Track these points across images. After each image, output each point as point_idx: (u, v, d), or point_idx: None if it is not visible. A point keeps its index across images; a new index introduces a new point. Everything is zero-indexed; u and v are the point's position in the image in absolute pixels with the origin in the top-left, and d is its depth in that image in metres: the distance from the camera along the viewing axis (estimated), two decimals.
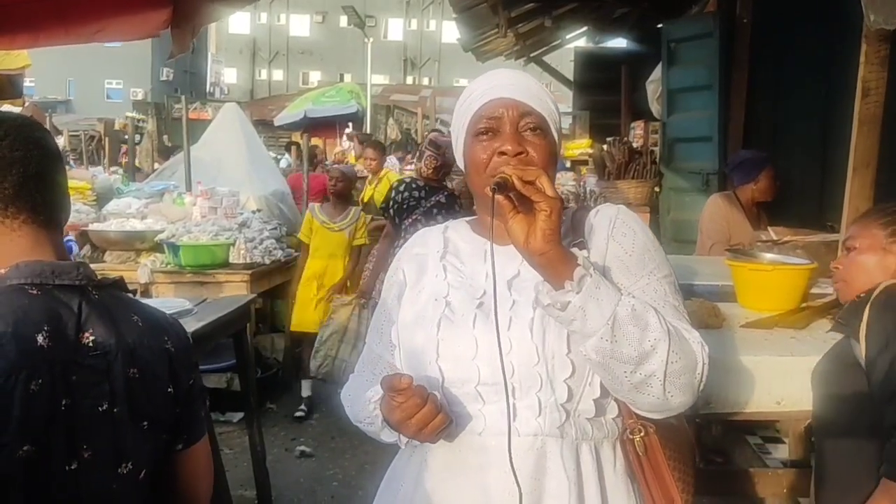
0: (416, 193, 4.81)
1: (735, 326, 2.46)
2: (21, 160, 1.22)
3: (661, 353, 1.18)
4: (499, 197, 1.15)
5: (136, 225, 5.27)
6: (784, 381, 2.11)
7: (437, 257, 1.41)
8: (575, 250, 1.22)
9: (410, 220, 4.73)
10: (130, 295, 1.38)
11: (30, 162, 1.23)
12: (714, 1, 5.89)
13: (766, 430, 3.61)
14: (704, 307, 2.53)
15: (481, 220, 1.41)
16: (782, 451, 3.57)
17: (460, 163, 1.40)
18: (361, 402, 1.41)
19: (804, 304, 2.67)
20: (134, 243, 5.18)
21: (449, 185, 5.08)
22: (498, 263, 1.26)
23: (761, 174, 4.19)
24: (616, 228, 1.34)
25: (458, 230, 1.46)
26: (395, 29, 49.60)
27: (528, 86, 1.34)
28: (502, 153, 1.29)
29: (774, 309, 2.59)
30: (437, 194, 4.80)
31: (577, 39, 9.26)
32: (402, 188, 4.90)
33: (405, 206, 4.79)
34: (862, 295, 1.88)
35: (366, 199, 7.06)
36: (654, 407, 1.24)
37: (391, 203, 4.88)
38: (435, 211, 4.76)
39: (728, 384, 2.10)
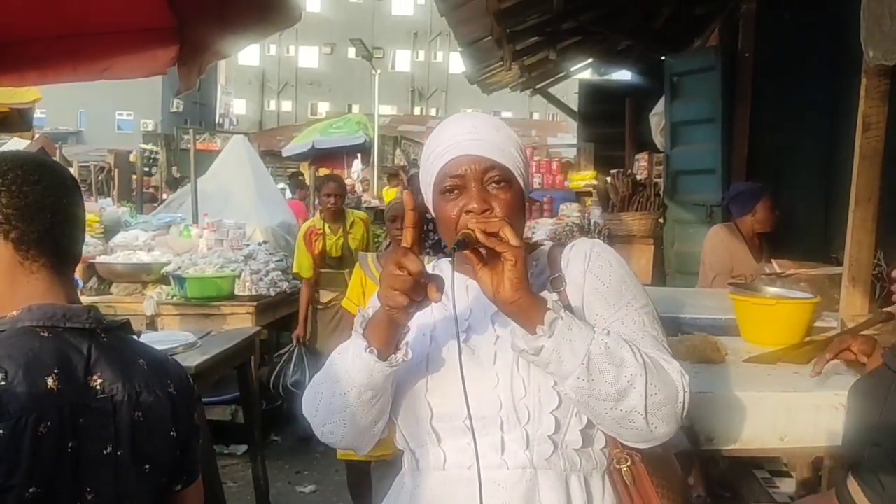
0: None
1: (738, 361, 2.44)
2: (52, 206, 1.25)
3: (639, 388, 1.20)
4: (465, 251, 1.19)
5: (142, 257, 5.30)
6: (787, 417, 2.09)
7: None
8: (545, 293, 1.24)
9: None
10: (136, 337, 1.39)
11: (59, 208, 1.26)
12: (716, 35, 5.95)
13: (773, 463, 3.59)
14: (707, 342, 2.52)
15: (459, 262, 1.43)
16: (789, 485, 3.54)
17: (433, 213, 1.42)
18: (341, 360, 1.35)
19: (808, 339, 2.65)
20: (140, 275, 5.21)
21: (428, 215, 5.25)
22: (480, 300, 1.31)
23: (758, 205, 4.19)
24: (592, 262, 1.37)
25: (442, 269, 1.48)
26: (403, 60, 50.03)
27: (489, 138, 1.34)
28: (469, 211, 1.30)
29: (778, 343, 2.57)
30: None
31: (583, 71, 9.32)
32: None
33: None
34: None
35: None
36: (638, 438, 1.26)
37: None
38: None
39: (730, 420, 2.09)
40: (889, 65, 2.65)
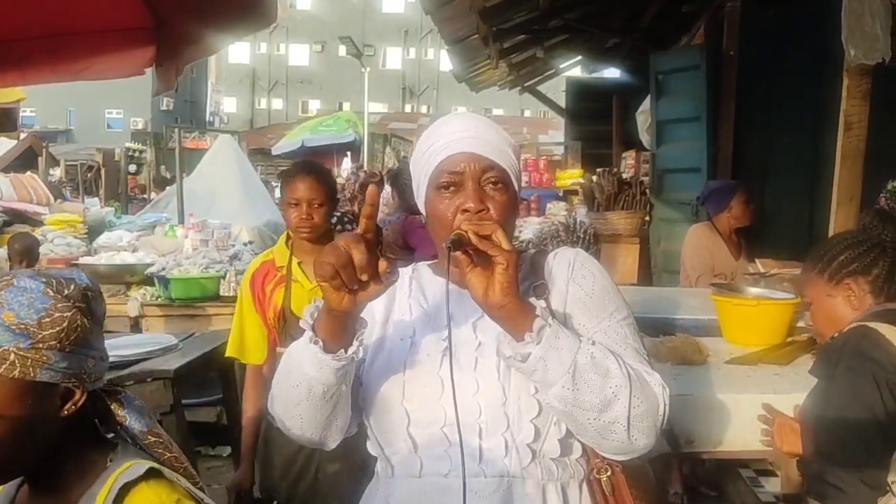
0: (348, 227, 5.33)
1: (719, 362, 2.44)
2: None
3: (623, 399, 1.19)
4: (457, 253, 1.16)
5: (126, 258, 5.26)
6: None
7: (404, 297, 1.42)
8: (533, 300, 1.23)
9: None
10: None
11: None
12: (701, 34, 5.94)
13: (759, 462, 3.58)
14: (687, 343, 2.51)
15: (441, 264, 1.42)
16: (775, 485, 3.54)
17: (422, 209, 1.40)
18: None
19: (790, 339, 2.65)
20: (124, 276, 5.17)
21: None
22: (461, 305, 1.28)
23: (732, 201, 4.18)
24: (575, 271, 1.36)
25: (421, 273, 1.47)
26: (394, 58, 49.92)
27: (489, 138, 1.34)
28: (465, 210, 1.29)
29: (760, 344, 2.57)
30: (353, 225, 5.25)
31: (572, 69, 9.31)
32: (334, 221, 5.48)
33: None
34: (830, 339, 1.90)
35: None
36: (619, 450, 1.25)
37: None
38: None
39: (710, 422, 2.08)
40: (870, 64, 2.66)
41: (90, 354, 1.22)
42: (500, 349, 1.21)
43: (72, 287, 1.21)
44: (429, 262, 1.50)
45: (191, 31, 2.58)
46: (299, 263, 2.69)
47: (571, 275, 1.35)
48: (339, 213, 5.91)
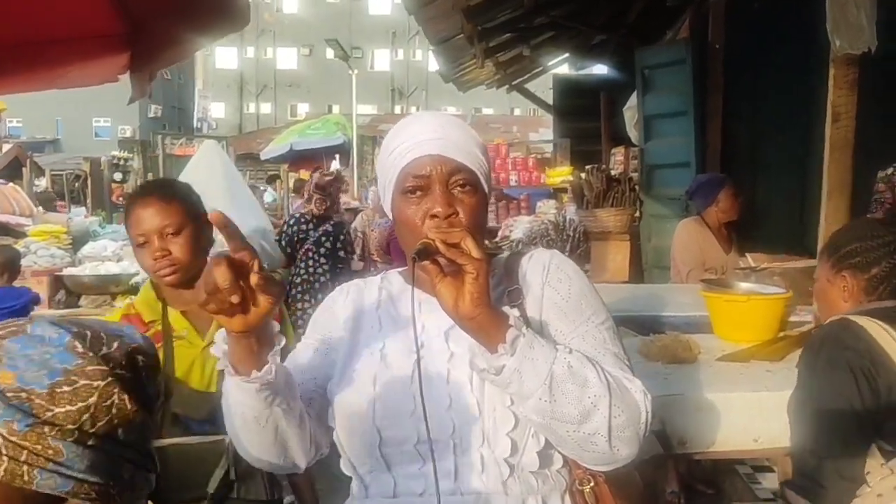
0: (304, 227, 5.54)
1: (710, 360, 2.41)
2: None
3: (602, 409, 1.14)
4: (425, 263, 1.11)
5: (111, 268, 5.20)
6: (760, 417, 2.05)
7: (373, 308, 1.37)
8: (506, 308, 1.18)
9: (303, 250, 5.48)
10: None
11: None
12: (686, 28, 5.92)
13: (755, 459, 3.56)
14: (678, 341, 2.48)
15: (412, 272, 1.37)
16: (772, 481, 3.52)
17: (389, 214, 1.35)
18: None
19: (782, 334, 2.62)
20: (109, 287, 5.10)
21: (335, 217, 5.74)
22: (432, 314, 1.23)
23: (720, 194, 4.17)
24: (551, 274, 1.31)
25: (391, 281, 1.42)
26: (382, 59, 49.98)
27: (455, 139, 1.28)
28: (434, 215, 1.24)
29: (751, 339, 2.54)
30: (323, 224, 5.54)
31: (559, 66, 9.28)
32: (292, 223, 5.72)
33: (297, 239, 5.55)
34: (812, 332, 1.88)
35: None
36: (600, 461, 1.21)
37: (283, 237, 5.64)
38: (323, 239, 5.52)
39: (702, 422, 2.05)
40: (856, 54, 2.62)
41: (128, 456, 0.82)
42: (474, 362, 1.16)
43: (114, 345, 0.84)
44: (400, 270, 1.45)
45: (164, 35, 2.55)
46: (184, 313, 2.01)
47: (547, 278, 1.30)
48: (297, 215, 5.89)
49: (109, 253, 5.51)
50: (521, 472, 1.23)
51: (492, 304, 1.13)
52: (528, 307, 1.28)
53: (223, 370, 1.15)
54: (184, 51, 2.65)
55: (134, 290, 5.07)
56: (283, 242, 5.68)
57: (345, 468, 1.32)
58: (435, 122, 1.30)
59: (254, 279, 1.03)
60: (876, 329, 1.67)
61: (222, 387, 1.21)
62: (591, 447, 1.16)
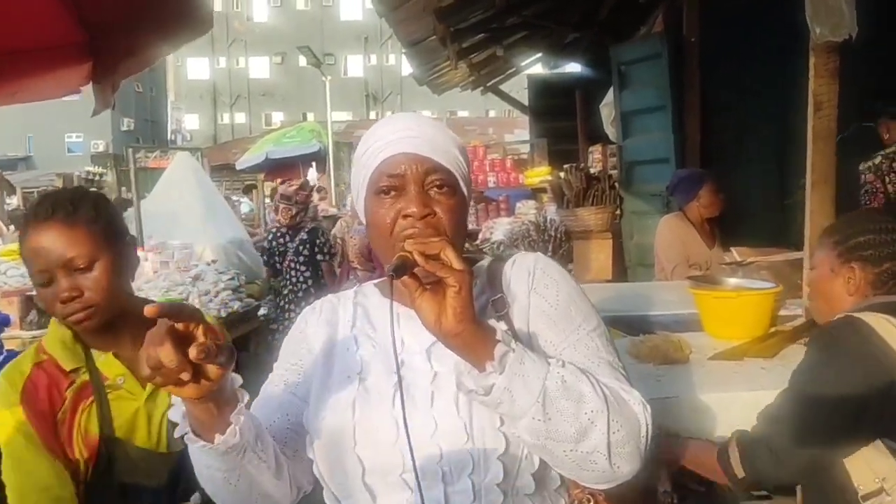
0: (281, 240, 5.76)
1: (702, 359, 2.35)
2: None
3: (600, 426, 1.06)
4: (401, 279, 1.03)
5: None
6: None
7: (348, 327, 1.28)
8: (493, 322, 1.10)
9: (286, 262, 5.70)
10: None
11: None
12: (660, 22, 5.89)
13: None
14: (668, 341, 2.42)
15: (388, 284, 1.29)
16: None
17: (362, 218, 1.27)
18: None
19: (773, 329, 2.57)
20: None
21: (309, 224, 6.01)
22: (413, 329, 1.13)
23: (701, 190, 4.15)
24: (537, 280, 1.23)
25: (367, 295, 1.33)
26: (355, 65, 49.89)
27: (432, 137, 1.21)
28: (408, 216, 1.16)
29: (742, 336, 2.49)
30: (299, 234, 5.71)
31: (533, 66, 9.25)
32: (270, 237, 6.00)
33: (277, 252, 5.80)
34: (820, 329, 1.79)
35: None
36: (600, 480, 1.13)
37: (265, 253, 5.95)
38: (301, 248, 5.70)
39: (699, 425, 1.99)
40: (837, 41, 2.57)
41: None
42: (461, 382, 1.07)
43: None
44: (375, 282, 1.36)
45: (126, 43, 2.48)
46: (116, 355, 1.62)
47: (533, 285, 1.22)
48: (273, 229, 6.15)
49: None
50: (516, 497, 1.15)
51: (477, 318, 1.05)
52: (514, 317, 1.20)
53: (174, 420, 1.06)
54: (147, 58, 2.57)
55: None
56: (266, 257, 5.95)
57: (328, 500, 1.23)
58: (411, 121, 1.23)
59: (194, 353, 0.93)
60: (888, 328, 1.60)
61: (181, 443, 1.10)
62: (591, 466, 1.08)
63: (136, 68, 2.61)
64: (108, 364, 1.62)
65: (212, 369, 0.96)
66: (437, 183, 1.18)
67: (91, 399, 1.59)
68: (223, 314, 5.14)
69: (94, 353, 1.63)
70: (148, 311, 0.92)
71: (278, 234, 5.92)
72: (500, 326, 1.09)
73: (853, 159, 3.55)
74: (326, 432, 1.17)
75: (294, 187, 5.97)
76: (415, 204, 1.15)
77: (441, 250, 1.03)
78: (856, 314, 1.65)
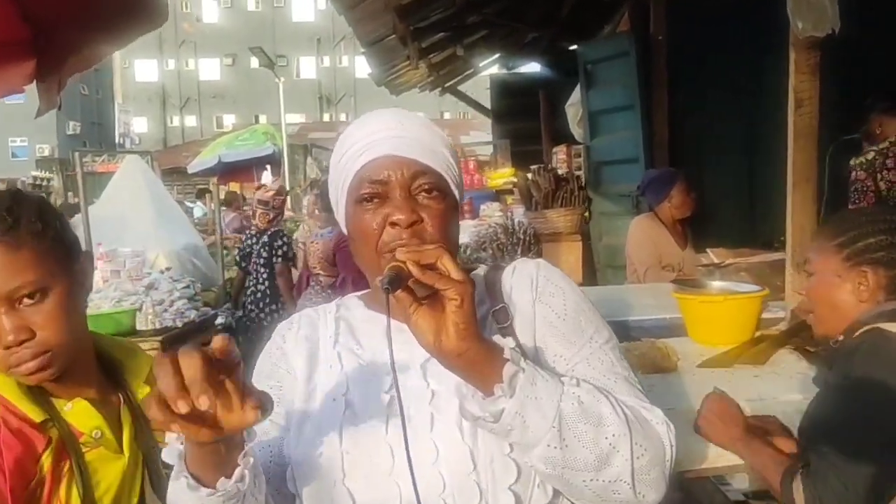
0: (249, 242, 5.95)
1: (691, 367, 2.26)
2: None
3: (623, 451, 0.95)
4: (395, 293, 0.90)
5: None
6: None
7: (330, 343, 1.14)
8: (498, 338, 0.97)
9: (252, 264, 5.82)
10: None
11: None
12: (627, 20, 5.85)
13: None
14: (654, 348, 2.34)
15: (374, 296, 1.15)
16: (741, 482, 3.42)
17: (343, 227, 1.14)
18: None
19: (759, 333, 2.49)
20: None
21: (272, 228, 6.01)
22: (405, 345, 0.98)
23: (673, 190, 4.11)
24: (541, 288, 1.11)
25: (350, 308, 1.20)
26: (308, 67, 49.55)
27: (418, 136, 1.08)
28: (394, 223, 1.03)
29: (729, 342, 2.41)
30: (263, 236, 5.80)
31: (491, 66, 9.18)
32: (245, 238, 6.23)
33: (246, 254, 5.91)
34: (840, 339, 1.65)
35: None
36: None
37: (239, 253, 6.13)
38: (262, 250, 5.77)
39: (694, 438, 1.88)
40: (820, 36, 2.51)
41: None
42: (466, 408, 0.95)
43: None
44: (358, 294, 1.22)
45: (73, 39, 2.33)
46: (91, 401, 1.27)
47: (537, 294, 1.11)
48: (249, 232, 6.26)
49: None
50: None
51: (481, 334, 0.93)
52: (518, 330, 1.08)
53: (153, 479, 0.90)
54: (95, 55, 2.42)
55: None
56: (238, 258, 6.12)
57: None
58: (394, 118, 1.10)
59: (231, 386, 0.82)
60: None
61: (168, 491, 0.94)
62: (613, 496, 0.97)
63: (84, 65, 2.45)
64: (78, 414, 1.24)
65: (250, 413, 0.84)
66: (426, 187, 1.06)
67: (65, 463, 1.21)
68: (179, 324, 4.93)
69: (57, 401, 1.25)
70: (219, 345, 0.80)
71: (249, 237, 6.11)
72: (508, 343, 0.96)
73: (840, 176, 3.47)
74: (310, 463, 1.04)
75: (271, 193, 6.14)
76: (402, 211, 1.03)
77: (438, 259, 0.91)
78: (882, 325, 1.53)
